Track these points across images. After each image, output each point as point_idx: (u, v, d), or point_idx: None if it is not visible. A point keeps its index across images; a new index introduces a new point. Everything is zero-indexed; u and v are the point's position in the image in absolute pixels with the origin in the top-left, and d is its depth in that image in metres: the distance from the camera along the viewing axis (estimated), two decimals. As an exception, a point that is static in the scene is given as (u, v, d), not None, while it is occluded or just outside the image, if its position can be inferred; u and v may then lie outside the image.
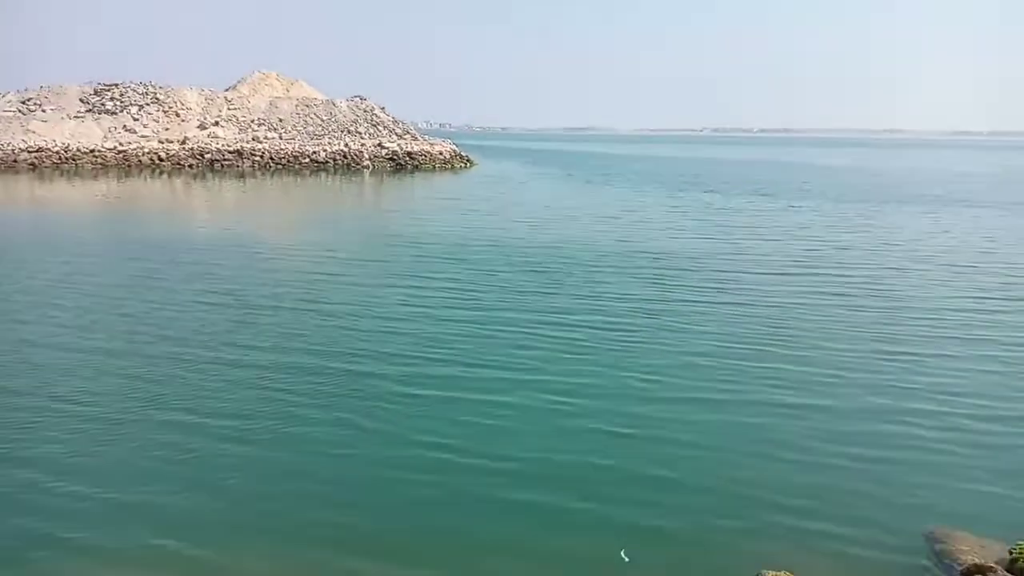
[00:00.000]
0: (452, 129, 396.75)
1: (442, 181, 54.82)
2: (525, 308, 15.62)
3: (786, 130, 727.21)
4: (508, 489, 8.03)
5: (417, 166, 64.72)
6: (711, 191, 47.81)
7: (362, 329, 13.95)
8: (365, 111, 72.03)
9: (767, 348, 12.98)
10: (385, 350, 12.64)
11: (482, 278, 18.65)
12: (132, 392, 10.63)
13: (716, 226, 29.71)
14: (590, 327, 14.21)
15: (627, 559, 6.85)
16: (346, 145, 64.76)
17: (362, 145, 65.39)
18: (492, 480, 8.21)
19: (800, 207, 37.81)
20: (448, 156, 69.04)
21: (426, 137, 76.26)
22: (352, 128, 68.83)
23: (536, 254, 22.26)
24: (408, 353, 12.47)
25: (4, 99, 64.85)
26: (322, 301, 16.12)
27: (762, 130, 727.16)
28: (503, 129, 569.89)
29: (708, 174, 67.63)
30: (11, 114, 62.83)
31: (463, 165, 69.48)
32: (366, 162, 63.17)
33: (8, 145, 57.08)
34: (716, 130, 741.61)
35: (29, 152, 56.65)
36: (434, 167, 65.77)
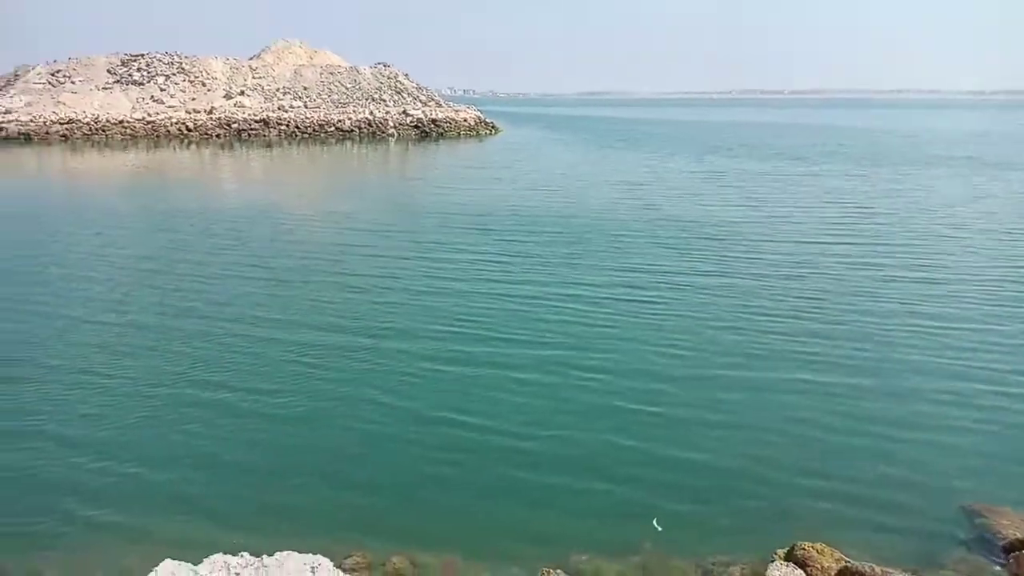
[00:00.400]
0: (476, 95, 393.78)
1: (467, 148, 54.46)
2: (550, 280, 15.51)
3: (818, 91, 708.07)
4: (531, 468, 8.03)
5: (442, 133, 64.31)
6: (738, 156, 46.86)
7: (388, 302, 13.97)
8: (389, 78, 71.51)
9: (798, 322, 12.75)
10: (410, 324, 12.65)
11: (506, 248, 18.54)
12: (162, 366, 10.79)
13: (744, 193, 29.13)
14: (615, 299, 14.07)
15: (659, 528, 6.85)
16: (371, 113, 64.48)
17: (387, 113, 65.07)
18: (515, 458, 8.20)
19: (832, 171, 36.87)
20: (473, 123, 68.46)
21: (451, 104, 75.65)
22: (376, 96, 68.46)
23: (560, 224, 22.05)
24: (433, 327, 12.47)
25: (34, 72, 65.47)
26: (349, 274, 16.16)
27: (793, 92, 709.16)
28: (522, 95, 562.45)
29: (734, 138, 66.26)
30: (41, 86, 63.49)
31: (488, 132, 68.89)
32: (391, 130, 62.92)
33: (40, 117, 57.79)
34: (744, 92, 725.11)
35: (60, 123, 57.32)
36: (459, 134, 65.30)
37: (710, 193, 29.18)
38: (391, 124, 63.35)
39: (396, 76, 72.25)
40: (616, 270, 16.28)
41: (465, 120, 68.09)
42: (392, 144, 57.18)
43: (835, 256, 17.61)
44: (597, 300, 13.97)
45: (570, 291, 14.57)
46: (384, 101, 67.82)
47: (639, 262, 17.03)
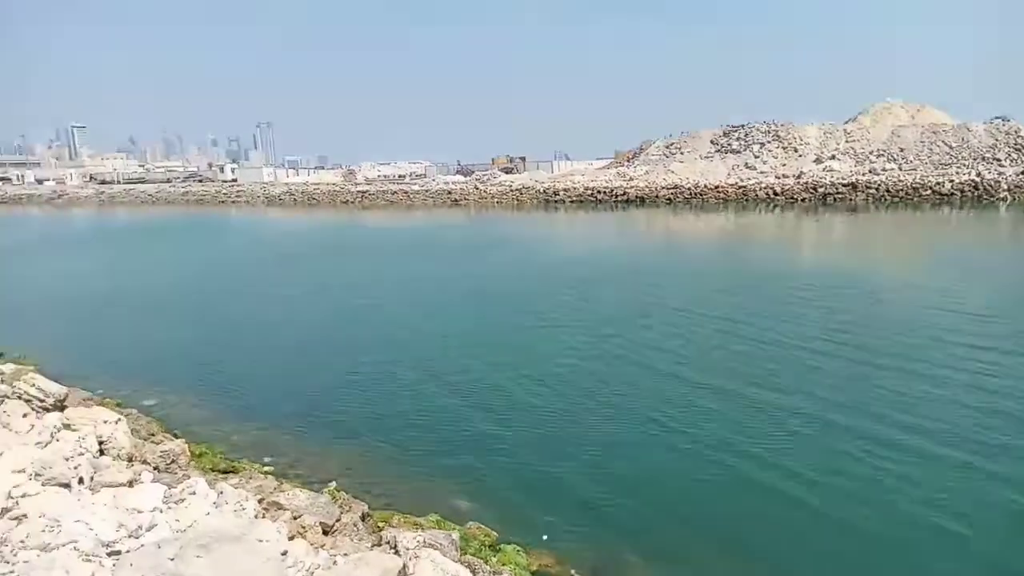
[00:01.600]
0: None
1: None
2: None
3: None
4: None
5: (1079, 198, 52.09)
6: None
7: (966, 404, 12.28)
8: (1007, 134, 61.59)
9: None
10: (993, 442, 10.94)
11: None
12: (704, 422, 11.91)
13: None
14: None
15: None
16: (978, 175, 56.64)
17: (1000, 174, 56.16)
18: None
19: None
20: None
21: (1099, 160, 60.59)
22: (989, 155, 59.80)
23: None
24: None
25: (653, 146, 78.90)
26: (928, 363, 14.73)
27: None
28: None
29: None
30: (656, 158, 76.01)
31: None
32: (1003, 193, 54.00)
33: (653, 184, 69.10)
34: None
35: (667, 189, 67.39)
36: (1106, 199, 51.82)
37: None
38: (1004, 187, 54.38)
39: (1018, 131, 61.77)
40: None
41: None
42: (1003, 210, 49.05)
43: None
44: None
45: None
46: (998, 160, 58.74)
47: None
